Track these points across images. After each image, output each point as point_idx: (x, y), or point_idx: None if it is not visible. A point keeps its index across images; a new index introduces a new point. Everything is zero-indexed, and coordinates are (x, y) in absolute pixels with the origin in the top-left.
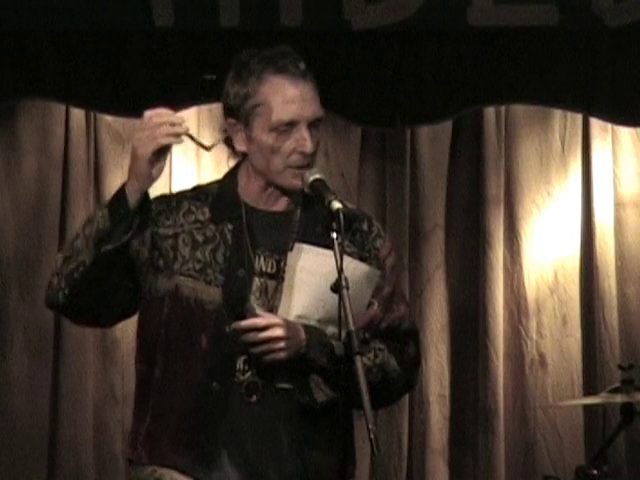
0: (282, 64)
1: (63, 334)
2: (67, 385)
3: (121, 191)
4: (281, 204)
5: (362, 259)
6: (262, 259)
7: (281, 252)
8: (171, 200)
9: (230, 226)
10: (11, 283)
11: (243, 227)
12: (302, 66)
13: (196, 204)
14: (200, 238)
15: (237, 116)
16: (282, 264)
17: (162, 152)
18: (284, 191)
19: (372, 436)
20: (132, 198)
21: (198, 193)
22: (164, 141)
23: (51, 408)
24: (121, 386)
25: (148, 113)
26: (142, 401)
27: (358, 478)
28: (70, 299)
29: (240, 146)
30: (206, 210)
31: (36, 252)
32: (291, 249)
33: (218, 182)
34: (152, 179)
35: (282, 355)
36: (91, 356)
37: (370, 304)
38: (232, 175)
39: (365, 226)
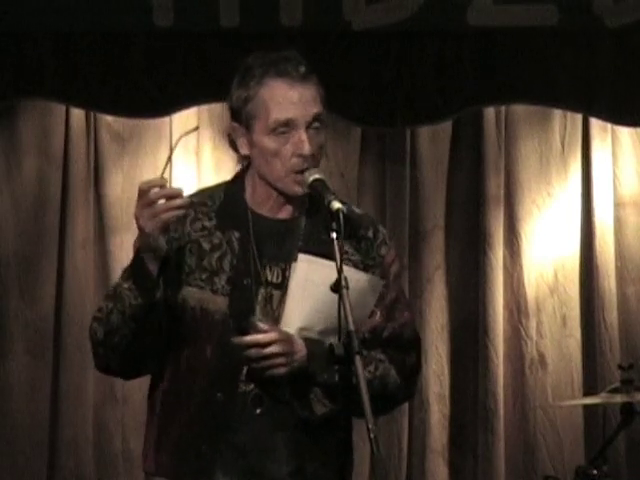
0: (283, 68)
1: (63, 334)
2: (67, 385)
3: (141, 263)
4: (286, 211)
5: (366, 267)
6: (268, 268)
7: (286, 261)
8: None
9: (237, 234)
10: (11, 283)
11: (250, 235)
12: (302, 69)
13: (202, 210)
14: (207, 246)
15: (239, 120)
16: (287, 274)
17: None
18: (288, 198)
19: (372, 436)
20: (153, 268)
21: (205, 197)
22: (167, 217)
23: (51, 408)
24: (121, 386)
25: (143, 186)
26: (151, 412)
27: (358, 478)
28: (123, 365)
29: (243, 150)
30: (212, 216)
31: (36, 252)
32: (295, 259)
33: (226, 184)
34: (165, 245)
35: (282, 371)
36: (91, 356)
37: (372, 313)
38: (239, 179)
39: (370, 233)
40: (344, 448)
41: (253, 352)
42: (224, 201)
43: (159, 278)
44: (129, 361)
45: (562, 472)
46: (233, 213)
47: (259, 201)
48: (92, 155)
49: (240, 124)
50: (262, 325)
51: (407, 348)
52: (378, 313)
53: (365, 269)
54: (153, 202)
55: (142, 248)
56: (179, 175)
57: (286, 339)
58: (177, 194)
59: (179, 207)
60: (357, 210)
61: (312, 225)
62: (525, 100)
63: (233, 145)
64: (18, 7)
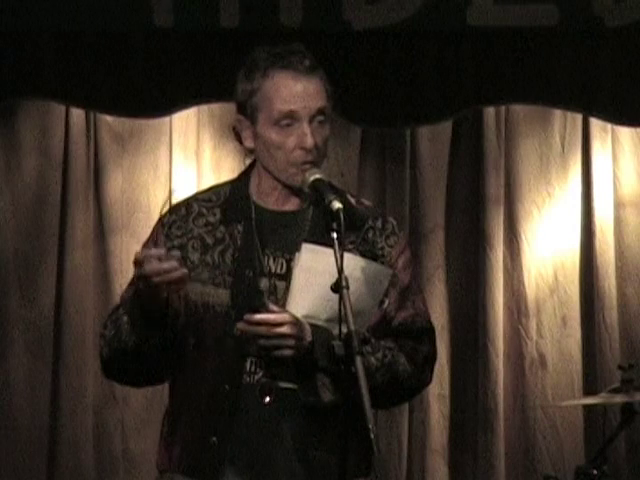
0: (287, 61)
1: (63, 334)
2: (67, 385)
3: (139, 309)
4: (292, 203)
5: (375, 257)
6: (271, 259)
7: (291, 252)
8: (180, 208)
9: (240, 227)
10: (11, 283)
11: (253, 228)
12: (307, 62)
13: (207, 205)
14: (210, 241)
15: (244, 112)
16: (292, 264)
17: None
18: (294, 190)
19: (372, 436)
20: (155, 309)
21: (211, 194)
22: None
23: (51, 408)
24: (121, 386)
25: (138, 257)
26: (165, 411)
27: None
28: (133, 378)
29: (248, 143)
30: (217, 211)
31: (36, 252)
32: (299, 249)
33: (233, 181)
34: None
35: (288, 353)
36: (91, 356)
37: (382, 302)
38: (245, 174)
39: (379, 223)
40: (349, 437)
41: (261, 329)
42: (229, 196)
43: (162, 321)
44: (139, 375)
45: (562, 472)
46: (237, 207)
47: (264, 194)
48: (92, 155)
49: (245, 117)
50: (274, 307)
51: (419, 337)
52: (387, 302)
53: (374, 259)
54: (148, 276)
55: (140, 292)
56: (179, 175)
57: (295, 322)
58: (172, 269)
59: (177, 282)
60: (367, 202)
61: (318, 217)
62: (525, 100)
63: (238, 138)
64: (18, 7)
